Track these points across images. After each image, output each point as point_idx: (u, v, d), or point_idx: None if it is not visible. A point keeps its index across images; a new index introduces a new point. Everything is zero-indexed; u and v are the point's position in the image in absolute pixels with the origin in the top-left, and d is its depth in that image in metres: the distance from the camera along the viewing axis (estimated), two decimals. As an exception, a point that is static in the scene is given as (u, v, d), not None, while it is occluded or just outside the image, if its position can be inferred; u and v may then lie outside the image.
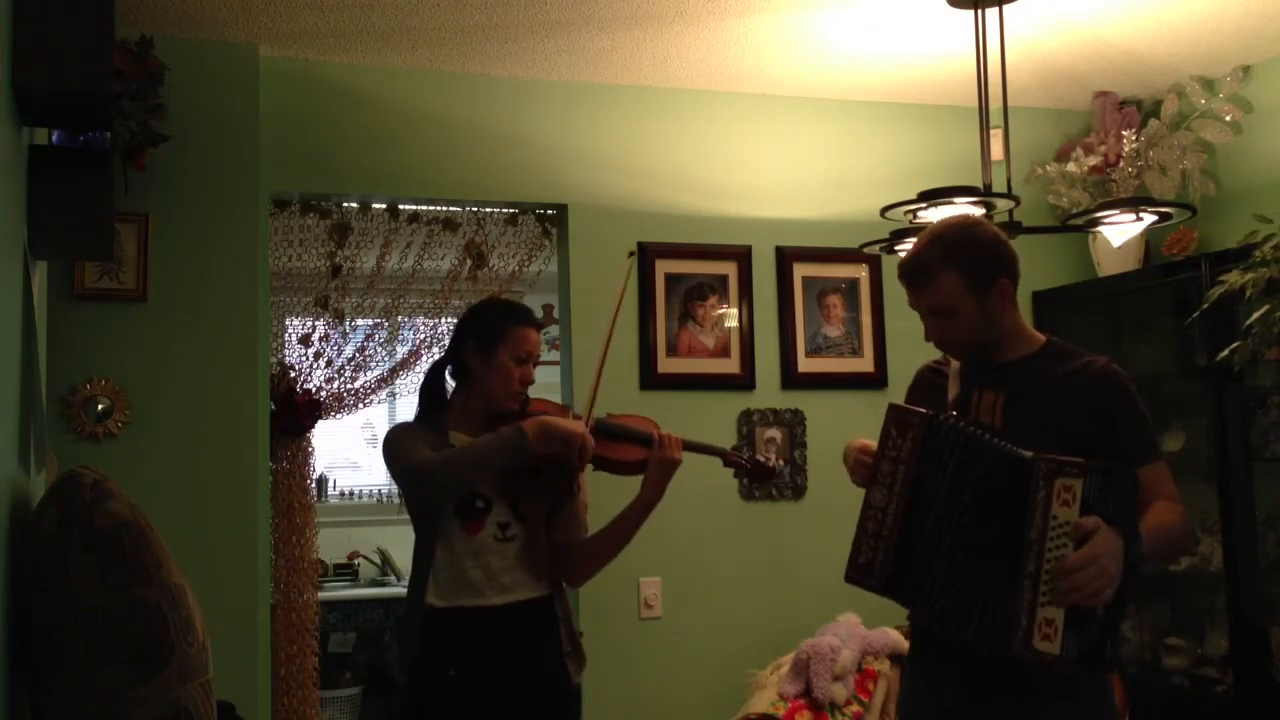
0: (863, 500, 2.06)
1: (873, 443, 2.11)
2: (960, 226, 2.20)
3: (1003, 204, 3.09)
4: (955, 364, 2.26)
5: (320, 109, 3.66)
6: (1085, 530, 1.85)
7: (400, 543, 5.45)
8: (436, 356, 2.81)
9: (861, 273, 4.13)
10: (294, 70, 3.63)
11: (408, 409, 4.24)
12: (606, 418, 2.73)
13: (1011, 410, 2.11)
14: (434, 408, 2.68)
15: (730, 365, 3.96)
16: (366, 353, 4.08)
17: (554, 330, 6.81)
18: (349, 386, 4.07)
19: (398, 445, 2.54)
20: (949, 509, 1.97)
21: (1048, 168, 4.22)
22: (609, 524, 2.70)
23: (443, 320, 4.12)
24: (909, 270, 2.17)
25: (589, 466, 2.65)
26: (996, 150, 3.31)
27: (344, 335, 4.05)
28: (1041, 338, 2.21)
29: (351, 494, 6.50)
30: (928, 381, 2.32)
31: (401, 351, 4.15)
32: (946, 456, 1.98)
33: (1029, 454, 1.91)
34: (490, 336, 2.60)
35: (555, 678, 2.59)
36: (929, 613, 2.00)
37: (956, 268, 2.10)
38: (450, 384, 2.73)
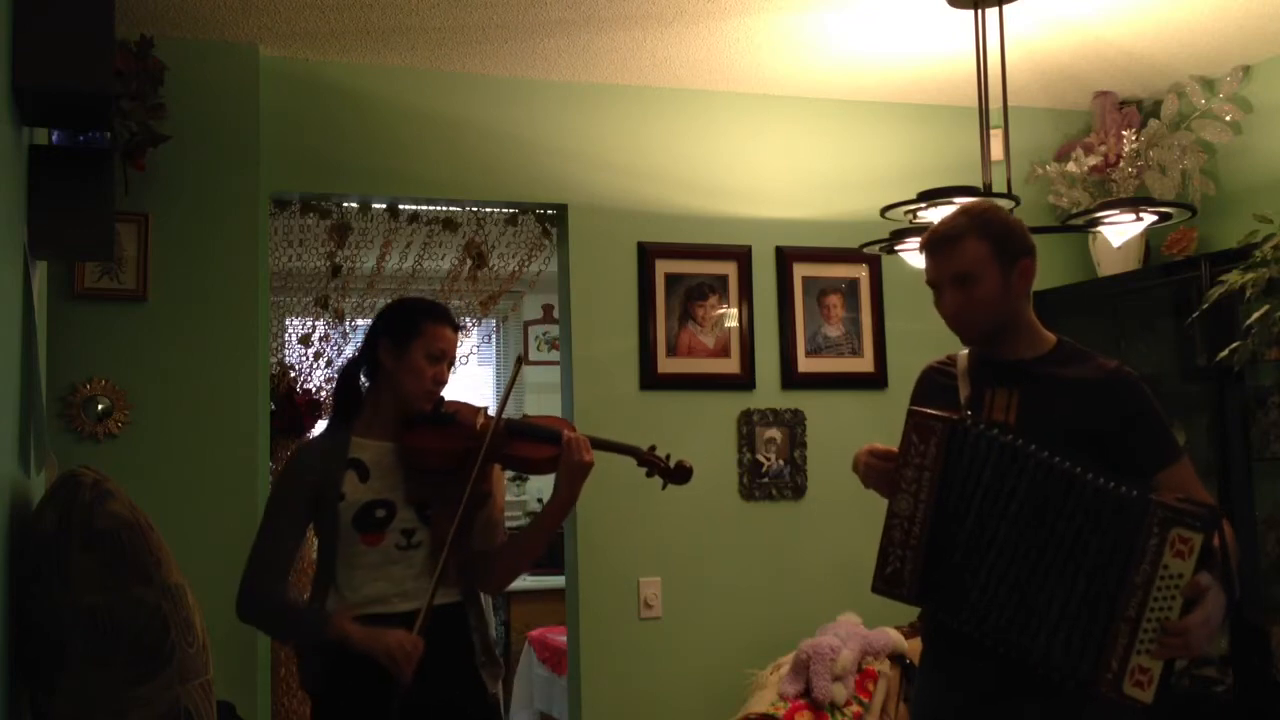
0: (887, 509, 2.03)
1: (883, 446, 2.09)
2: (988, 205, 2.25)
3: (1003, 204, 3.09)
4: (962, 364, 2.24)
5: (320, 109, 3.66)
6: (1201, 589, 1.81)
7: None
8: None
9: (861, 273, 4.13)
10: (294, 70, 3.63)
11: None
12: (520, 418, 2.67)
13: (1026, 408, 2.10)
14: (348, 409, 2.58)
15: (730, 365, 3.96)
16: (366, 353, 4.07)
17: (554, 330, 6.83)
18: (349, 386, 4.07)
19: (271, 494, 2.56)
20: (990, 519, 1.95)
21: (1048, 168, 4.22)
22: (525, 528, 2.66)
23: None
24: (935, 237, 2.17)
25: (498, 466, 2.58)
26: (996, 150, 3.31)
27: (344, 335, 4.05)
28: (1053, 338, 2.20)
29: (351, 494, 6.48)
30: (934, 383, 2.28)
31: (401, 351, 4.14)
32: (978, 464, 1.96)
33: (1133, 491, 1.86)
34: (404, 332, 2.51)
35: (468, 687, 2.49)
36: (975, 625, 1.97)
37: (985, 236, 2.12)
38: (366, 386, 2.63)
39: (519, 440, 2.55)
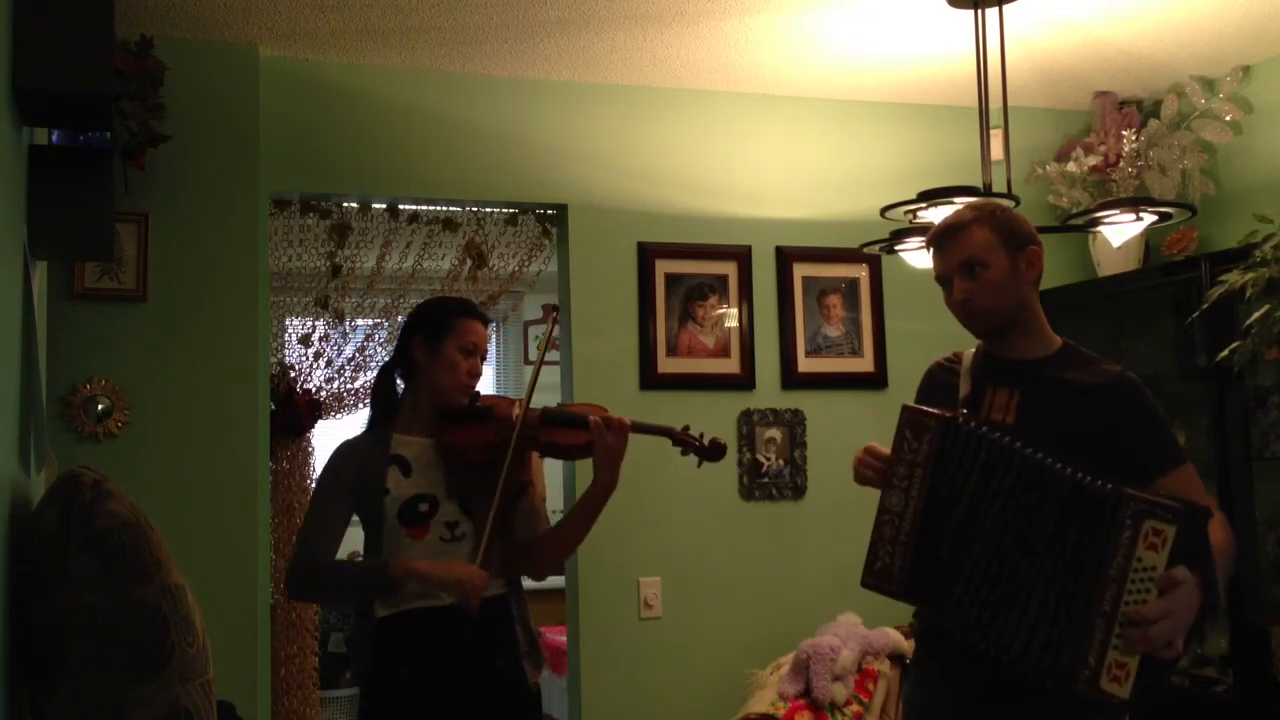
0: (878, 504, 2.04)
1: (881, 447, 2.10)
2: (991, 200, 2.32)
3: (1003, 204, 3.09)
4: (966, 362, 2.25)
5: (320, 109, 3.66)
6: (1174, 582, 1.80)
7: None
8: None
9: (861, 273, 4.13)
10: (294, 70, 3.63)
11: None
12: (555, 406, 2.71)
13: (1026, 409, 2.10)
14: (385, 410, 2.65)
15: (730, 365, 3.96)
16: (366, 353, 4.08)
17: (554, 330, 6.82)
18: (349, 386, 4.08)
19: (317, 485, 2.57)
20: (977, 516, 1.95)
21: (1048, 168, 4.22)
22: (569, 514, 2.68)
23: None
24: (942, 230, 2.20)
25: (536, 455, 2.64)
26: (996, 150, 3.31)
27: (344, 335, 4.05)
28: (1059, 340, 2.21)
29: (351, 494, 6.50)
30: (938, 380, 2.30)
31: (401, 351, 4.14)
32: (968, 462, 1.96)
33: (1108, 485, 1.85)
34: (437, 330, 2.59)
35: (511, 678, 2.54)
36: (958, 621, 1.97)
37: (990, 224, 2.15)
38: (402, 386, 2.69)
39: (552, 428, 2.60)
